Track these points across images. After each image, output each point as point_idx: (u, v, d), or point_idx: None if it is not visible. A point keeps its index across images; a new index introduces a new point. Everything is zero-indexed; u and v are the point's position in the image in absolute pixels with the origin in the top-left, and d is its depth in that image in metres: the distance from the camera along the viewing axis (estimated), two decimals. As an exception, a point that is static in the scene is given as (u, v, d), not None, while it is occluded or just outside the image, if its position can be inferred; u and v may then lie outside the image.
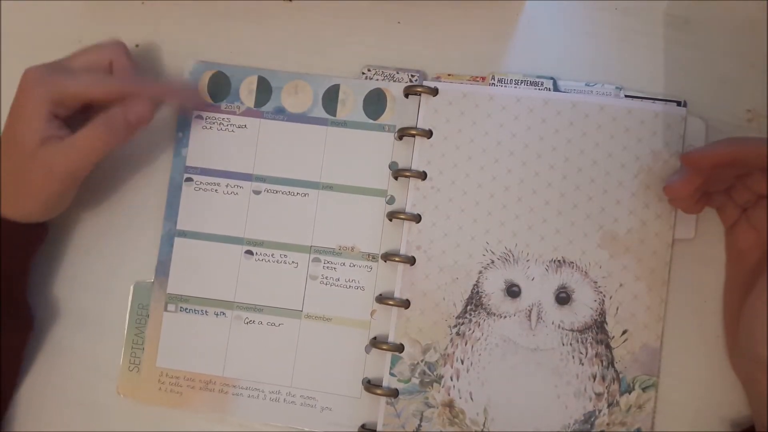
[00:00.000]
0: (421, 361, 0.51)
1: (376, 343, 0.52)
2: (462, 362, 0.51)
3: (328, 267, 0.54)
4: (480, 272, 0.51)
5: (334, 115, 0.55)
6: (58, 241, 0.56)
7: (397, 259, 0.52)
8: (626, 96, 0.52)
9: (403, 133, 0.53)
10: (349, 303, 0.53)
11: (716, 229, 0.51)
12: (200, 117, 0.56)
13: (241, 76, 0.56)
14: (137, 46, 0.58)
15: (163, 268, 0.55)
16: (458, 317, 0.51)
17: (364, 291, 0.53)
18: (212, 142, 0.56)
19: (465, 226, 0.52)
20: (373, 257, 0.53)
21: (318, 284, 0.54)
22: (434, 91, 0.53)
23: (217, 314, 0.54)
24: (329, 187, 0.54)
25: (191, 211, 0.55)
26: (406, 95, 0.54)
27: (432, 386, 0.51)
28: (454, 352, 0.51)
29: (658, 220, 0.50)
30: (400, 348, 0.51)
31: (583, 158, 0.51)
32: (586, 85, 0.53)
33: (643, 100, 0.52)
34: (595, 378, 0.50)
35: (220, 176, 0.55)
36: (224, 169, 0.55)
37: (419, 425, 0.51)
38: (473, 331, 0.51)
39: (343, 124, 0.54)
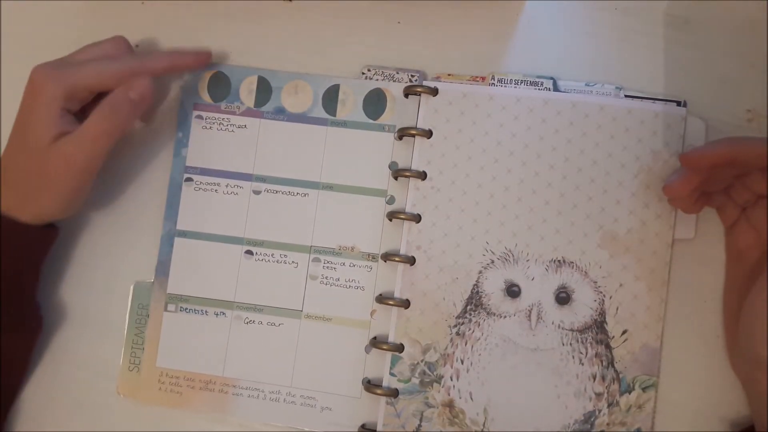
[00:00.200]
0: (421, 361, 0.51)
1: (376, 343, 0.52)
2: (462, 362, 0.51)
3: (328, 267, 0.54)
4: (480, 272, 0.51)
5: (334, 115, 0.55)
6: (60, 241, 0.56)
7: (397, 259, 0.52)
8: (626, 96, 0.52)
9: (403, 133, 0.53)
10: (349, 303, 0.53)
11: (716, 229, 0.51)
12: (200, 117, 0.56)
13: (241, 76, 0.56)
14: (137, 46, 0.58)
15: (163, 268, 0.55)
16: (458, 317, 0.51)
17: (364, 291, 0.53)
18: (212, 142, 0.56)
19: (465, 226, 0.52)
20: (373, 257, 0.53)
21: (318, 284, 0.54)
22: (434, 91, 0.53)
23: (217, 314, 0.54)
24: (329, 187, 0.54)
25: (191, 211, 0.55)
26: (406, 95, 0.54)
27: (432, 386, 0.51)
28: (454, 352, 0.51)
29: (658, 220, 0.50)
30: (400, 348, 0.51)
31: (583, 158, 0.51)
32: (586, 85, 0.53)
33: (643, 100, 0.52)
34: (595, 378, 0.50)
35: (220, 176, 0.55)
36: (224, 169, 0.55)
37: (419, 425, 0.51)
38: (473, 331, 0.51)
39: (343, 124, 0.54)
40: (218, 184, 0.55)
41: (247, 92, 0.56)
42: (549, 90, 0.53)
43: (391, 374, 0.51)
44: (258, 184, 0.55)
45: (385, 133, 0.54)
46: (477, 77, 0.54)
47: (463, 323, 0.51)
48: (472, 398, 0.51)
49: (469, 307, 0.51)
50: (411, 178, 0.52)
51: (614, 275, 0.50)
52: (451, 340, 0.51)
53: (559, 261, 0.51)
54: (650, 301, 0.50)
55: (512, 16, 0.55)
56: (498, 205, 0.52)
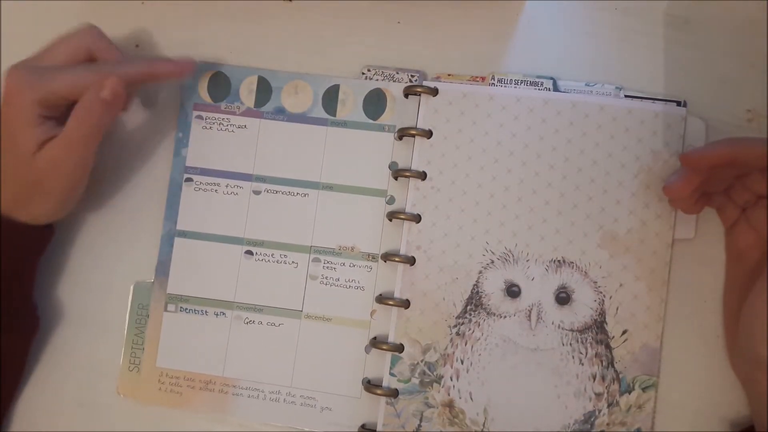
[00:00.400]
0: (421, 361, 0.51)
1: (376, 343, 0.52)
2: (462, 362, 0.51)
3: (328, 267, 0.54)
4: (480, 272, 0.51)
5: (334, 115, 0.55)
6: (59, 241, 0.56)
7: (397, 259, 0.52)
8: (626, 96, 0.52)
9: (403, 133, 0.53)
10: (349, 303, 0.53)
11: (716, 229, 0.51)
12: (200, 117, 0.56)
13: (241, 76, 0.56)
14: (137, 46, 0.58)
15: (163, 268, 0.55)
16: (458, 317, 0.51)
17: (364, 291, 0.53)
18: (212, 142, 0.55)
19: (465, 226, 0.52)
20: (372, 257, 0.53)
21: (318, 284, 0.54)
22: (434, 91, 0.53)
23: (217, 314, 0.54)
24: (329, 187, 0.54)
25: (191, 211, 0.55)
26: (406, 95, 0.54)
27: (432, 386, 0.51)
28: (454, 352, 0.51)
29: (658, 220, 0.50)
30: (400, 348, 0.51)
31: (583, 158, 0.51)
32: (586, 85, 0.53)
33: (643, 100, 0.52)
34: (595, 378, 0.50)
35: (220, 176, 0.55)
36: (224, 169, 0.55)
37: (419, 425, 0.51)
38: (473, 331, 0.51)
39: (343, 124, 0.54)
40: (218, 184, 0.55)
41: (247, 92, 0.56)
42: (549, 90, 0.53)
43: (391, 374, 0.51)
44: (258, 184, 0.55)
45: (385, 133, 0.54)
46: (477, 77, 0.54)
47: (463, 323, 0.51)
48: (472, 398, 0.51)
49: (469, 307, 0.51)
50: (411, 178, 0.52)
51: (614, 275, 0.50)
52: (451, 340, 0.51)
53: (559, 261, 0.51)
54: (650, 301, 0.50)
55: (512, 16, 0.55)
56: (498, 205, 0.52)
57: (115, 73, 0.49)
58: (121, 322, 0.55)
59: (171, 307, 0.54)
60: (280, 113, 0.55)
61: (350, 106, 0.54)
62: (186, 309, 0.54)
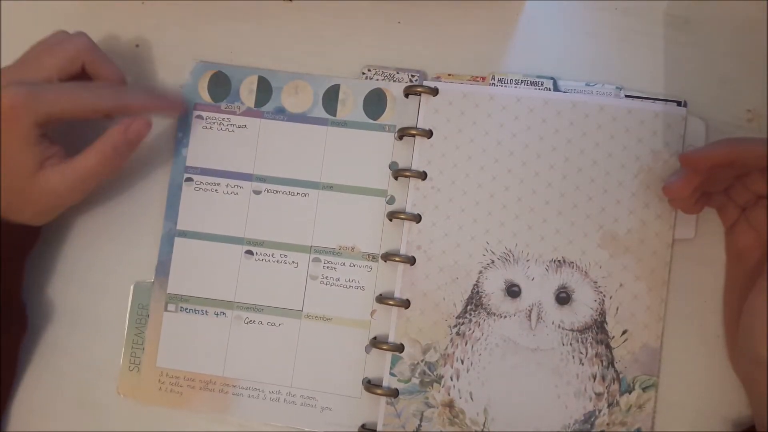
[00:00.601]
0: (421, 361, 0.51)
1: (377, 343, 0.52)
2: (462, 362, 0.51)
3: (328, 267, 0.54)
4: (480, 272, 0.51)
5: (334, 115, 0.55)
6: (59, 241, 0.56)
7: (397, 259, 0.52)
8: (626, 96, 0.52)
9: (403, 133, 0.53)
10: (349, 303, 0.53)
11: (716, 229, 0.51)
12: (200, 117, 0.56)
13: (241, 76, 0.56)
14: (137, 46, 0.58)
15: (163, 268, 0.55)
16: (458, 317, 0.51)
17: (364, 291, 0.53)
18: (212, 142, 0.55)
19: (465, 226, 0.52)
20: (373, 257, 0.53)
21: (318, 284, 0.54)
22: (434, 91, 0.53)
23: (217, 314, 0.54)
24: (329, 187, 0.54)
25: (191, 211, 0.55)
26: (406, 95, 0.54)
27: (432, 386, 0.51)
28: (454, 352, 0.51)
29: (658, 220, 0.50)
30: (400, 348, 0.51)
31: (583, 158, 0.51)
32: (586, 85, 0.53)
33: (643, 100, 0.52)
34: (595, 378, 0.50)
35: (220, 176, 0.55)
36: (224, 169, 0.55)
37: (419, 425, 0.51)
38: (473, 331, 0.51)
39: (343, 124, 0.54)
40: (218, 184, 0.55)
41: (247, 92, 0.56)
42: (549, 90, 0.53)
43: (391, 374, 0.51)
44: (258, 184, 0.55)
45: (386, 133, 0.54)
46: (477, 77, 0.54)
47: (463, 323, 0.51)
48: (472, 398, 0.51)
49: (469, 307, 0.51)
50: (411, 178, 0.52)
51: (614, 275, 0.50)
52: (451, 340, 0.51)
53: (559, 261, 0.51)
54: (650, 301, 0.50)
55: (512, 16, 0.55)
56: (498, 205, 0.52)
57: (120, 106, 0.50)
58: (121, 322, 0.55)
59: (171, 306, 0.54)
60: (281, 113, 0.55)
61: (350, 106, 0.54)
62: (186, 309, 0.54)
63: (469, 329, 0.51)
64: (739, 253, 0.49)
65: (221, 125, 0.55)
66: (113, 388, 0.54)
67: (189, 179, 0.55)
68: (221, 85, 0.56)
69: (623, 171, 0.51)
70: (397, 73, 0.55)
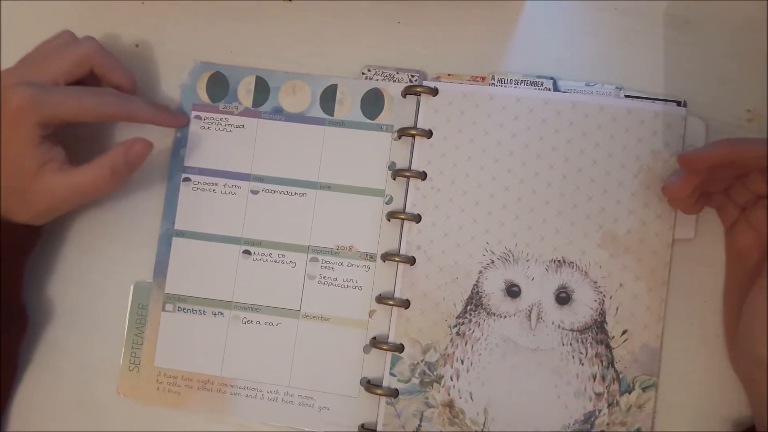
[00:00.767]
0: (421, 361, 0.51)
1: (376, 343, 0.52)
2: (462, 362, 0.51)
3: (325, 267, 0.54)
4: (480, 272, 0.51)
5: (332, 115, 0.55)
6: (58, 241, 0.56)
7: (397, 259, 0.52)
8: (626, 96, 0.52)
9: (402, 133, 0.53)
10: (346, 303, 0.53)
11: (716, 229, 0.51)
12: (199, 117, 0.56)
13: (239, 76, 0.56)
14: (137, 46, 0.58)
15: (161, 268, 0.55)
16: (458, 317, 0.51)
17: (361, 291, 0.53)
18: (210, 142, 0.55)
19: (465, 226, 0.52)
20: (371, 257, 0.53)
21: (316, 284, 0.54)
22: (434, 91, 0.53)
23: (215, 314, 0.54)
24: (327, 187, 0.54)
25: (189, 211, 0.55)
26: (405, 95, 0.54)
27: (432, 386, 0.51)
28: (454, 352, 0.51)
29: (658, 220, 0.50)
30: (400, 348, 0.51)
31: (583, 158, 0.51)
32: (586, 85, 0.53)
33: (643, 100, 0.52)
34: (595, 378, 0.50)
35: (218, 176, 0.55)
36: (222, 169, 0.55)
37: (419, 425, 0.51)
38: (473, 331, 0.51)
39: (341, 123, 0.54)
40: (216, 184, 0.55)
41: (245, 92, 0.56)
42: (549, 90, 0.53)
43: (391, 374, 0.51)
44: (256, 183, 0.55)
45: (383, 132, 0.54)
46: (477, 77, 0.54)
47: (463, 323, 0.51)
48: (472, 398, 0.51)
49: (469, 307, 0.51)
50: (411, 178, 0.52)
51: (614, 275, 0.50)
52: (451, 340, 0.51)
53: (559, 261, 0.51)
54: (650, 301, 0.50)
55: (512, 16, 0.55)
56: (498, 205, 0.52)
57: (124, 116, 0.51)
58: (121, 322, 0.55)
59: (169, 306, 0.54)
60: (278, 113, 0.55)
61: (348, 106, 0.54)
62: (184, 309, 0.54)
63: (469, 329, 0.51)
64: (739, 253, 0.49)
65: (219, 125, 0.55)
66: (113, 388, 0.54)
67: (187, 179, 0.55)
68: (219, 85, 0.56)
69: (623, 171, 0.51)
70: (397, 73, 0.55)
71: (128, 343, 0.55)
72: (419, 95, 0.53)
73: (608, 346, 0.50)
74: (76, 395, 0.55)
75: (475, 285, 0.51)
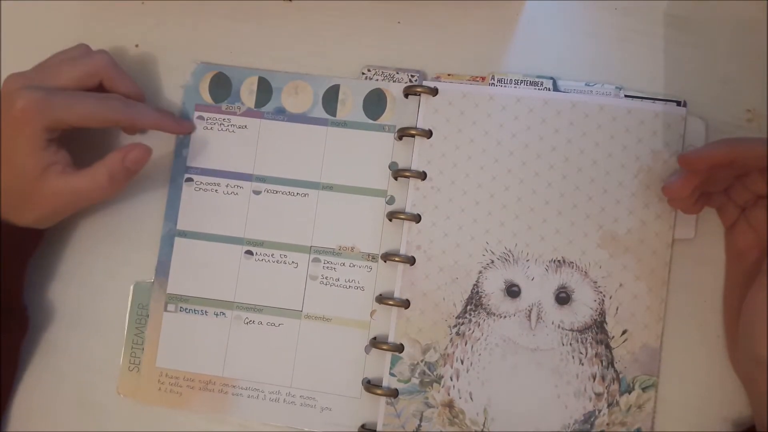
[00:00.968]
0: (421, 361, 0.51)
1: (376, 343, 0.52)
2: (462, 362, 0.51)
3: (327, 267, 0.54)
4: (480, 272, 0.51)
5: (334, 116, 0.55)
6: (60, 241, 0.56)
7: (397, 259, 0.52)
8: (626, 96, 0.52)
9: (403, 133, 0.53)
10: (348, 303, 0.53)
11: (716, 229, 0.51)
12: (201, 118, 0.56)
13: (241, 77, 0.56)
14: (137, 46, 0.58)
15: (163, 268, 0.55)
16: (458, 317, 0.51)
17: (363, 291, 0.53)
18: (213, 142, 0.56)
19: (465, 226, 0.52)
20: (372, 257, 0.53)
21: (318, 284, 0.54)
22: (434, 91, 0.53)
23: (216, 314, 0.54)
24: (329, 188, 0.54)
25: (191, 211, 0.55)
26: (406, 95, 0.54)
27: (432, 386, 0.51)
28: (454, 352, 0.51)
29: (658, 220, 0.50)
30: (400, 348, 0.51)
31: (583, 158, 0.51)
32: (586, 85, 0.53)
33: (643, 100, 0.52)
34: (595, 378, 0.50)
35: (220, 176, 0.55)
36: (224, 170, 0.55)
37: (419, 425, 0.51)
38: (473, 331, 0.51)
39: (343, 124, 0.54)
40: (218, 185, 0.55)
41: (247, 93, 0.56)
42: (549, 90, 0.53)
43: (391, 374, 0.51)
44: (258, 184, 0.55)
45: (385, 133, 0.54)
46: (477, 77, 0.54)
47: (463, 323, 0.51)
48: (472, 398, 0.51)
49: (469, 307, 0.51)
50: (411, 178, 0.52)
51: (614, 275, 0.50)
52: (451, 340, 0.51)
53: (559, 261, 0.51)
54: (650, 301, 0.50)
55: (512, 16, 0.55)
56: (498, 205, 0.52)
57: (130, 121, 0.51)
58: (121, 322, 0.55)
59: (171, 307, 0.54)
60: (281, 113, 0.55)
61: (350, 106, 0.54)
62: (186, 309, 0.54)
63: (469, 329, 0.51)
64: (739, 253, 0.49)
65: (222, 126, 0.55)
66: (113, 388, 0.54)
67: (189, 179, 0.55)
68: (222, 86, 0.56)
69: (623, 171, 0.51)
70: (397, 73, 0.55)
71: (128, 343, 0.55)
72: (419, 95, 0.53)
73: (608, 346, 0.50)
74: (76, 395, 0.55)
75: (475, 285, 0.51)
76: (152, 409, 0.54)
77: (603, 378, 0.50)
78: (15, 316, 0.54)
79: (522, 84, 0.53)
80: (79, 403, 0.55)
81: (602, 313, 0.50)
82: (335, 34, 0.56)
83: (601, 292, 0.50)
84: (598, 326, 0.50)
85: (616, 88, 0.52)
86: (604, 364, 0.50)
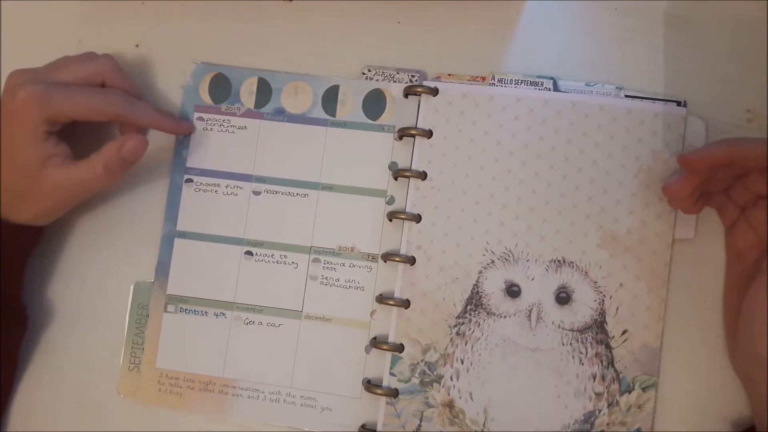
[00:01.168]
0: (421, 361, 0.51)
1: (376, 343, 0.52)
2: (462, 362, 0.51)
3: (327, 267, 0.54)
4: (480, 272, 0.51)
5: (334, 116, 0.55)
6: (60, 241, 0.56)
7: (397, 259, 0.52)
8: (626, 96, 0.52)
9: (403, 133, 0.53)
10: (348, 303, 0.53)
11: (716, 229, 0.51)
12: (201, 118, 0.56)
13: (241, 77, 0.56)
14: (137, 46, 0.58)
15: (163, 269, 0.55)
16: (458, 317, 0.51)
17: (363, 291, 0.53)
18: (212, 143, 0.56)
19: (465, 226, 0.52)
20: (372, 257, 0.53)
21: (318, 285, 0.54)
22: (434, 91, 0.53)
23: (216, 315, 0.54)
24: (329, 188, 0.54)
25: (191, 211, 0.55)
26: (406, 95, 0.54)
27: (432, 386, 0.51)
28: (454, 352, 0.51)
29: (658, 220, 0.50)
30: (400, 348, 0.51)
31: (583, 158, 0.51)
32: (586, 85, 0.53)
33: (643, 100, 0.52)
34: (595, 378, 0.50)
35: (220, 177, 0.55)
36: (224, 170, 0.55)
37: (419, 425, 0.51)
38: (473, 331, 0.51)
39: (343, 124, 0.54)
40: (218, 185, 0.55)
41: (247, 94, 0.56)
42: (549, 90, 0.53)
43: (391, 374, 0.51)
44: (258, 184, 0.55)
45: (385, 133, 0.54)
46: (477, 77, 0.54)
47: (463, 323, 0.51)
48: (472, 398, 0.51)
49: (469, 307, 0.51)
50: (411, 178, 0.52)
51: (614, 275, 0.50)
52: (451, 340, 0.51)
53: (559, 261, 0.51)
54: (650, 301, 0.50)
55: (512, 16, 0.55)
56: (498, 205, 0.52)
57: (129, 118, 0.51)
58: (121, 322, 0.55)
59: (171, 307, 0.54)
60: (280, 114, 0.55)
61: (350, 107, 0.54)
62: (186, 310, 0.54)
63: (469, 329, 0.51)
64: (739, 253, 0.49)
65: (221, 126, 0.55)
66: (113, 388, 0.54)
67: (189, 180, 0.55)
68: (222, 86, 0.56)
69: (623, 171, 0.51)
70: (397, 73, 0.55)
71: (128, 343, 0.55)
72: (420, 95, 0.53)
73: (608, 346, 0.50)
74: (76, 395, 0.55)
75: (475, 285, 0.51)
76: (152, 410, 0.54)
77: (603, 378, 0.50)
78: (14, 315, 0.54)
79: (522, 84, 0.53)
80: (79, 403, 0.55)
81: (602, 313, 0.50)
82: (335, 34, 0.56)
83: (601, 292, 0.50)
84: (598, 326, 0.50)
85: (616, 88, 0.52)
86: (604, 364, 0.50)
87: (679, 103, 0.51)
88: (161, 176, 0.56)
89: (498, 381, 0.51)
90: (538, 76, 0.53)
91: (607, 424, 0.50)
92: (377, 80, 0.54)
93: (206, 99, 0.56)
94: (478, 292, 0.51)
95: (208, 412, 0.54)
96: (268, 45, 0.56)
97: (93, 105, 0.50)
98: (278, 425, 0.53)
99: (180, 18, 0.57)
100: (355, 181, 0.54)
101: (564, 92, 0.53)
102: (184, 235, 0.55)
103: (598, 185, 0.51)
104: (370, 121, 0.54)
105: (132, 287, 0.55)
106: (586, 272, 0.51)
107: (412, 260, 0.52)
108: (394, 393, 0.51)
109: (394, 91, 0.54)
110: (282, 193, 0.54)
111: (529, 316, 0.51)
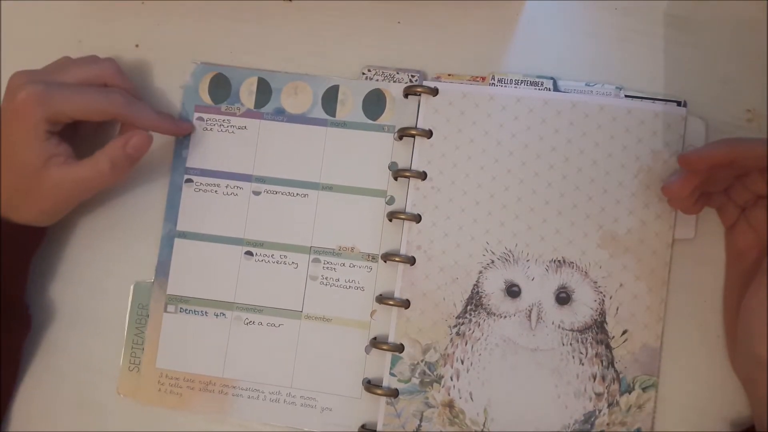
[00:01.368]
0: (421, 361, 0.51)
1: (376, 343, 0.52)
2: (462, 362, 0.51)
3: (327, 267, 0.54)
4: (480, 272, 0.51)
5: (334, 116, 0.55)
6: (60, 241, 0.56)
7: (397, 259, 0.52)
8: (626, 96, 0.52)
9: (403, 134, 0.53)
10: (348, 303, 0.53)
11: (716, 229, 0.51)
12: (201, 118, 0.56)
13: (241, 77, 0.56)
14: (137, 46, 0.58)
15: (163, 269, 0.55)
16: (458, 317, 0.51)
17: (363, 291, 0.53)
18: (212, 143, 0.56)
19: (465, 226, 0.52)
20: (372, 258, 0.53)
21: (318, 285, 0.54)
22: (434, 91, 0.53)
23: (216, 315, 0.54)
24: (329, 188, 0.54)
25: (191, 212, 0.55)
26: (406, 95, 0.54)
27: (432, 386, 0.51)
28: (454, 352, 0.51)
29: (658, 220, 0.50)
30: (400, 348, 0.51)
31: (583, 158, 0.51)
32: (586, 85, 0.53)
33: (643, 100, 0.52)
34: (595, 378, 0.50)
35: (220, 177, 0.55)
36: (224, 170, 0.55)
37: (419, 425, 0.51)
38: (473, 331, 0.51)
39: (343, 124, 0.54)
40: (218, 185, 0.55)
41: (247, 94, 0.56)
42: (549, 90, 0.53)
43: (391, 374, 0.51)
44: (258, 184, 0.55)
45: (385, 133, 0.54)
46: (477, 77, 0.54)
47: (463, 323, 0.51)
48: (472, 398, 0.51)
49: (469, 307, 0.51)
50: (411, 178, 0.52)
51: (614, 275, 0.50)
52: (451, 340, 0.51)
53: (559, 261, 0.51)
54: (650, 301, 0.50)
55: (512, 16, 0.55)
56: (498, 205, 0.52)
57: (129, 118, 0.51)
58: (121, 322, 0.55)
59: (171, 308, 0.54)
60: (280, 114, 0.55)
61: (350, 107, 0.54)
62: (186, 310, 0.54)
63: (469, 329, 0.51)
64: (739, 253, 0.49)
65: (221, 126, 0.56)
66: (113, 388, 0.54)
67: (189, 180, 0.55)
68: (221, 86, 0.56)
69: (623, 171, 0.51)
70: (397, 73, 0.55)
71: (128, 343, 0.55)
72: (420, 95, 0.53)
73: (608, 346, 0.50)
74: (76, 395, 0.55)
75: (475, 285, 0.51)
76: (152, 410, 0.54)
77: (603, 378, 0.50)
78: (17, 315, 0.54)
79: (522, 84, 0.53)
80: (79, 403, 0.55)
81: (602, 313, 0.50)
82: (335, 34, 0.56)
83: (601, 292, 0.50)
84: (598, 326, 0.50)
85: (616, 88, 0.52)
86: (604, 364, 0.50)
87: (679, 103, 0.51)
88: (161, 176, 0.56)
89: (498, 381, 0.51)
90: (538, 76, 0.53)
91: (607, 424, 0.50)
92: (377, 80, 0.55)
93: (206, 99, 0.56)
94: (478, 292, 0.51)
95: (208, 412, 0.54)
96: (268, 45, 0.56)
97: (93, 104, 0.50)
98: (278, 425, 0.53)
99: (180, 18, 0.57)
100: (355, 181, 0.54)
101: (564, 92, 0.53)
102: (184, 235, 0.55)
103: (598, 185, 0.51)
104: (370, 121, 0.54)
105: (132, 287, 0.55)
106: (586, 272, 0.51)
107: (412, 260, 0.52)
108: (394, 393, 0.51)
109: (394, 91, 0.54)
110: (282, 193, 0.54)
111: (529, 316, 0.51)
